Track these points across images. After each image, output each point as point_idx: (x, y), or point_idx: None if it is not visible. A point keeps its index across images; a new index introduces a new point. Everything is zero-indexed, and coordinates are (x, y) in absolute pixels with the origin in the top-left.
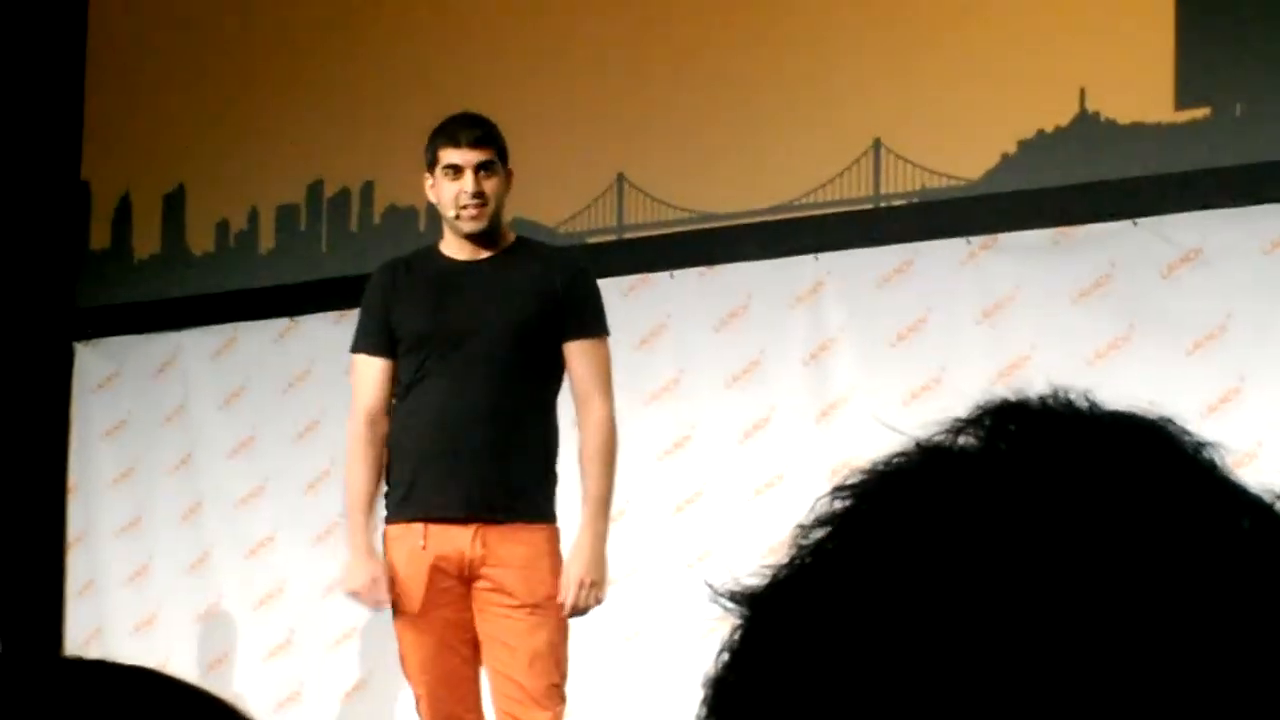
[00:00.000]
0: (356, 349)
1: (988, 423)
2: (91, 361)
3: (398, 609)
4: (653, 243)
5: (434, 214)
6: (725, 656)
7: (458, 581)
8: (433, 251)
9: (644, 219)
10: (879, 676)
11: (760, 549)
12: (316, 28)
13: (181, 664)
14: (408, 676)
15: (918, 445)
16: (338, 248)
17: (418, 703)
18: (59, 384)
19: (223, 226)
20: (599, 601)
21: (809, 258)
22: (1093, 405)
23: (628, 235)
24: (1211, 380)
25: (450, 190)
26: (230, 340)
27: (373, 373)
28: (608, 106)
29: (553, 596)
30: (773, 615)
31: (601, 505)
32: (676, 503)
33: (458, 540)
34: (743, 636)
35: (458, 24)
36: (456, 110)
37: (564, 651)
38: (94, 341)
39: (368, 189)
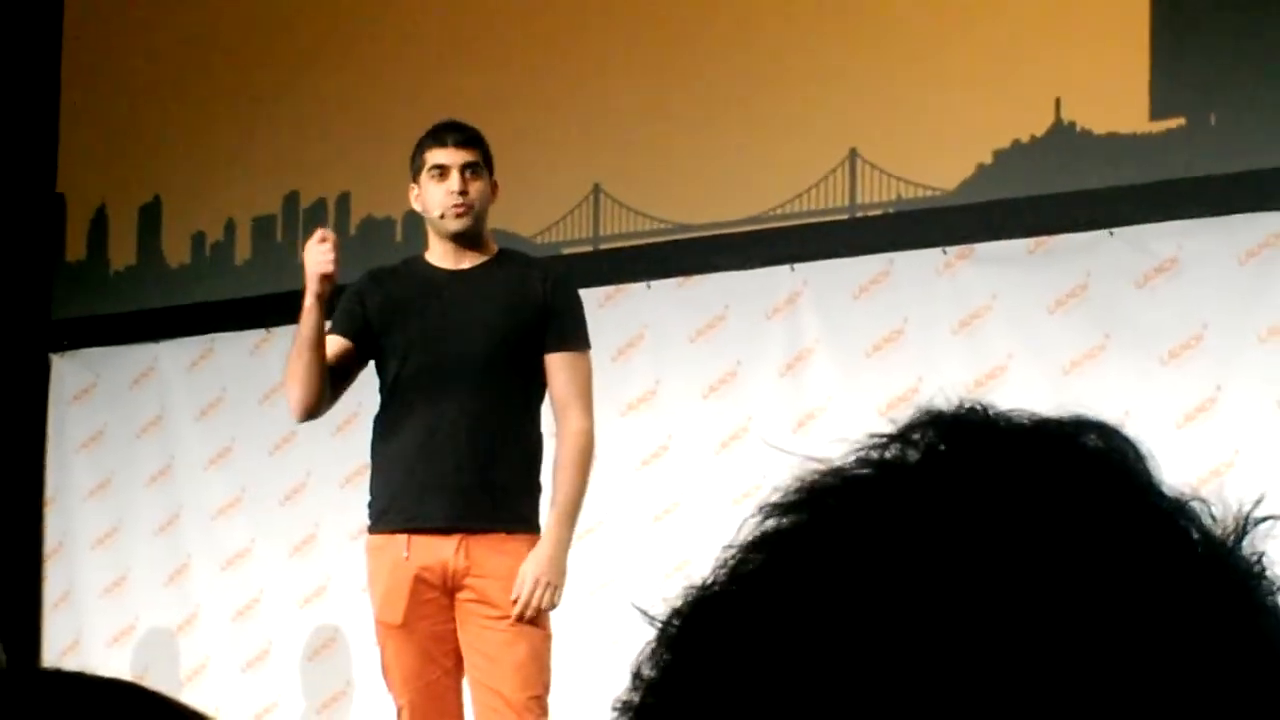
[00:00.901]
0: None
1: (913, 436)
2: (68, 373)
3: (381, 620)
4: (629, 253)
5: (410, 225)
6: (643, 679)
7: (441, 593)
8: (418, 260)
9: (620, 229)
10: (808, 698)
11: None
12: (293, 40)
13: (159, 675)
14: (390, 688)
15: (844, 459)
16: None
17: (399, 714)
18: (35, 395)
19: (199, 238)
20: (552, 605)
21: (785, 268)
22: (1011, 415)
23: (604, 246)
24: (1187, 390)
25: (436, 191)
26: (207, 351)
27: (331, 344)
28: (584, 117)
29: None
30: (695, 637)
31: (567, 513)
32: (654, 513)
33: (441, 551)
34: (662, 659)
35: (434, 36)
36: (433, 121)
37: (546, 662)
38: (70, 353)
39: (344, 200)
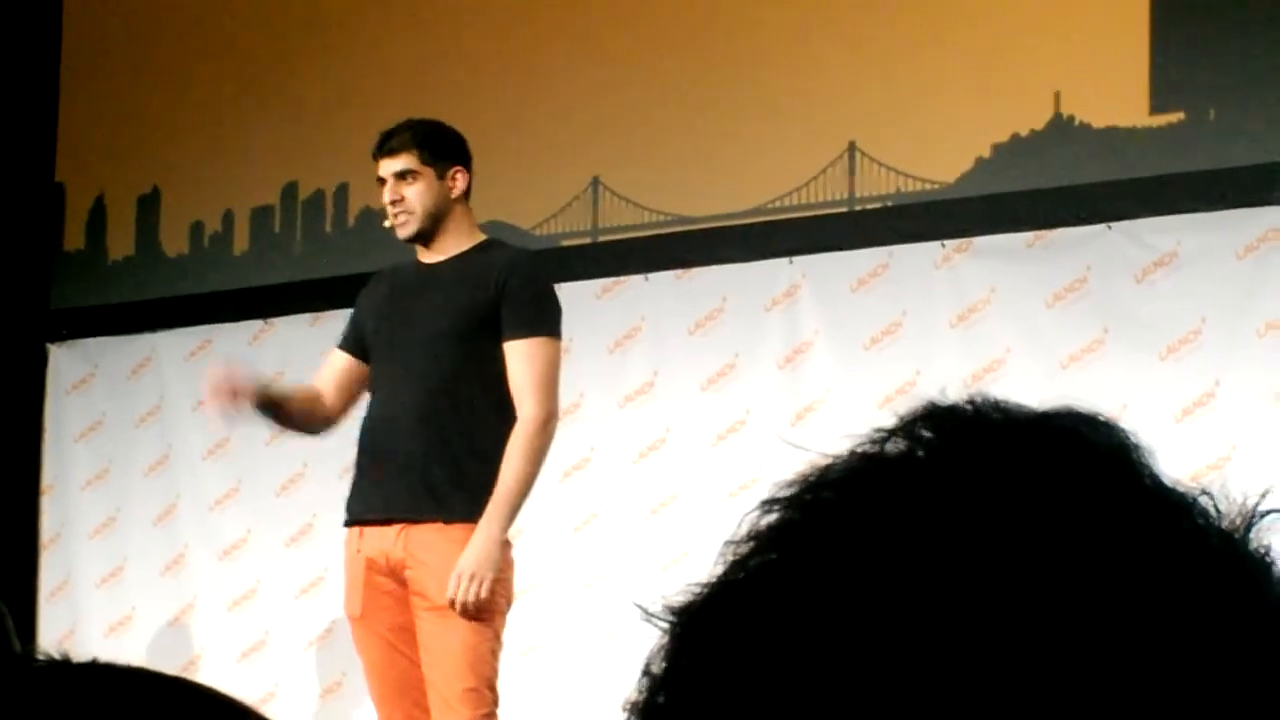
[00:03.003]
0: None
1: (914, 430)
2: (66, 363)
3: (346, 613)
4: (628, 245)
5: None
6: (654, 678)
7: (395, 584)
8: (413, 258)
9: (619, 222)
10: (818, 693)
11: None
12: (291, 31)
13: (156, 665)
14: (367, 683)
15: (846, 454)
16: (312, 250)
17: (376, 706)
18: (33, 385)
19: (197, 228)
20: (478, 597)
21: (784, 261)
22: (1013, 409)
23: (603, 238)
24: (1186, 384)
25: (385, 202)
26: (205, 342)
27: (330, 359)
28: (583, 110)
29: (474, 604)
30: (707, 634)
31: (503, 503)
32: (652, 505)
33: (384, 541)
34: (673, 657)
35: (433, 27)
36: (431, 113)
37: (484, 653)
38: (68, 343)
39: (342, 191)
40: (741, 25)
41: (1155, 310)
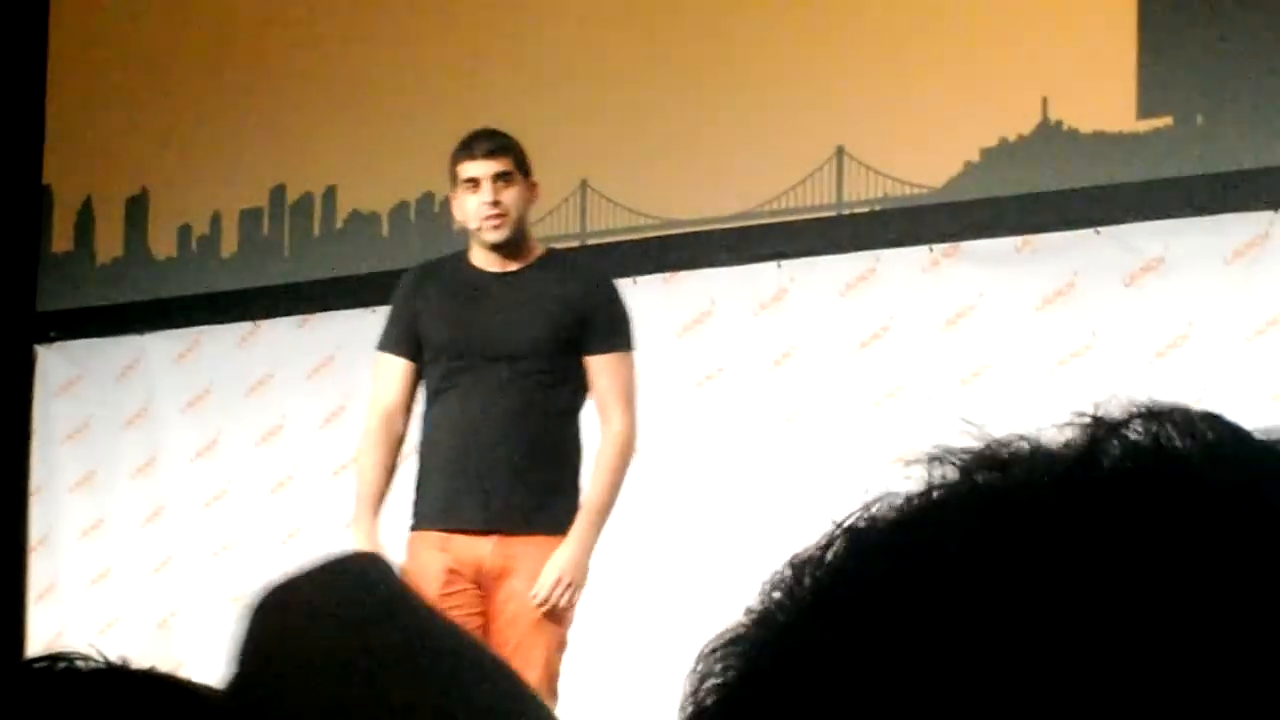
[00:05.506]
0: (381, 347)
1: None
2: (54, 364)
3: None
4: (616, 249)
5: (396, 220)
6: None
7: (473, 586)
8: (462, 260)
9: (607, 225)
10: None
11: (718, 561)
12: (280, 34)
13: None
14: None
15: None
16: (300, 252)
17: None
18: (21, 387)
19: (185, 230)
20: (571, 605)
21: (772, 265)
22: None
23: (591, 241)
24: (1174, 389)
25: (471, 203)
26: (193, 344)
27: (393, 372)
28: (571, 113)
29: (557, 614)
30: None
31: (596, 514)
32: (640, 511)
33: (478, 550)
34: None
35: (421, 32)
36: (420, 117)
37: (557, 665)
38: (56, 344)
39: (330, 194)
40: (729, 29)
41: (1143, 315)
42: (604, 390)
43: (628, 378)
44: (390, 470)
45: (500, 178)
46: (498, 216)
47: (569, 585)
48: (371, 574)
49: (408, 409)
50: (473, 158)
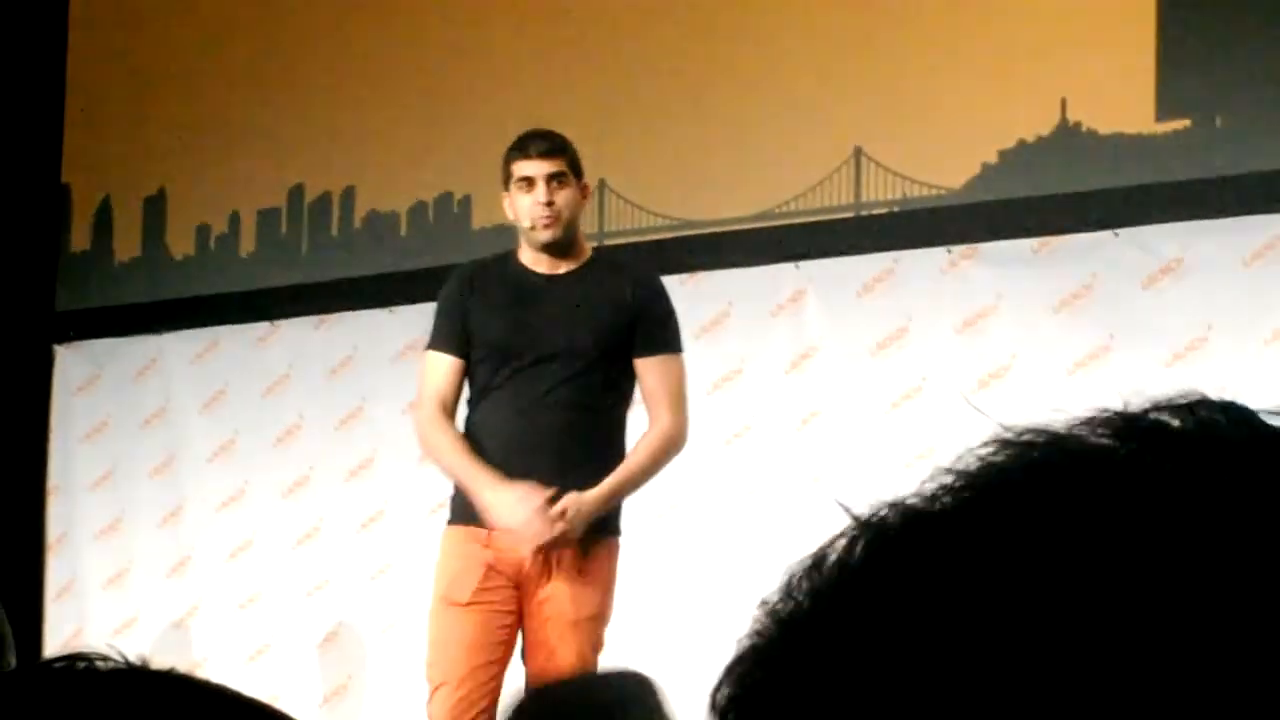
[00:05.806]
0: (432, 346)
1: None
2: (72, 364)
3: (446, 598)
4: (633, 250)
5: (414, 220)
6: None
7: (511, 584)
8: (511, 260)
9: (624, 225)
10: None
11: (734, 561)
12: (299, 33)
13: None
14: (432, 668)
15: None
16: (318, 252)
17: (433, 695)
18: (39, 386)
19: (203, 230)
20: (556, 534)
21: (790, 266)
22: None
23: (608, 242)
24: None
25: (524, 202)
26: (211, 344)
27: (445, 368)
28: (589, 113)
29: (595, 615)
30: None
31: (623, 482)
32: (658, 511)
33: (521, 550)
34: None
35: (439, 31)
36: (438, 118)
37: (594, 665)
38: (74, 344)
39: (349, 194)
40: (747, 31)
41: (1161, 317)
42: (653, 391)
43: (679, 378)
44: (463, 437)
45: (554, 178)
46: (551, 217)
47: (571, 518)
48: (632, 693)
49: (456, 405)
50: (528, 157)
